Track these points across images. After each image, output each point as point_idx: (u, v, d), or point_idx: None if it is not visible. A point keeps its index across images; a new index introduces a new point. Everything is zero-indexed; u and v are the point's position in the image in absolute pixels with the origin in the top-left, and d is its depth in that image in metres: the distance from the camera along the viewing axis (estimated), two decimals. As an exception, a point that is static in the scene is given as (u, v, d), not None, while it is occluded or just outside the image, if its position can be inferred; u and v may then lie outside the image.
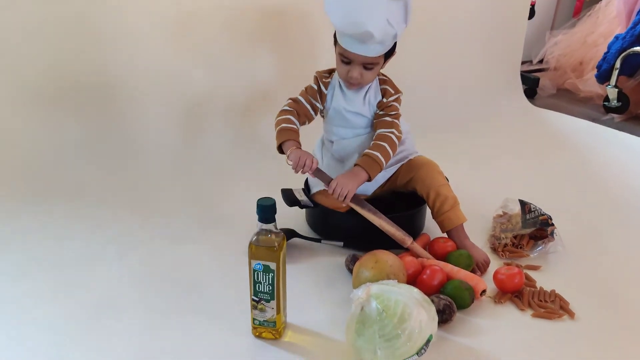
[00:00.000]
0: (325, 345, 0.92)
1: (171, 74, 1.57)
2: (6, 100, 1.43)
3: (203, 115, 1.63)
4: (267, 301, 0.89)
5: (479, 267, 1.10)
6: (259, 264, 0.87)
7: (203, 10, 1.56)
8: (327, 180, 1.11)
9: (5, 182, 1.39)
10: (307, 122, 1.19)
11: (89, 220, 1.29)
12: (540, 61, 2.56)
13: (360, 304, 0.85)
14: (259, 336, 0.93)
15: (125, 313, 0.98)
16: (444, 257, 1.11)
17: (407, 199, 1.24)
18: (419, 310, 0.83)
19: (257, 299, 0.89)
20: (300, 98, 1.18)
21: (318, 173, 1.11)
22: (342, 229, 1.20)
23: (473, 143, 1.82)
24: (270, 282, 0.88)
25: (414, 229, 1.23)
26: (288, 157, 1.10)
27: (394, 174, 1.22)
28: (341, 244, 1.19)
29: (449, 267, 1.06)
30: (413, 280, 1.04)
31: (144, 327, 0.95)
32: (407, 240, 1.10)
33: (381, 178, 1.20)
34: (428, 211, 1.22)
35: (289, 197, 1.18)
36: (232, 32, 1.61)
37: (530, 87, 2.32)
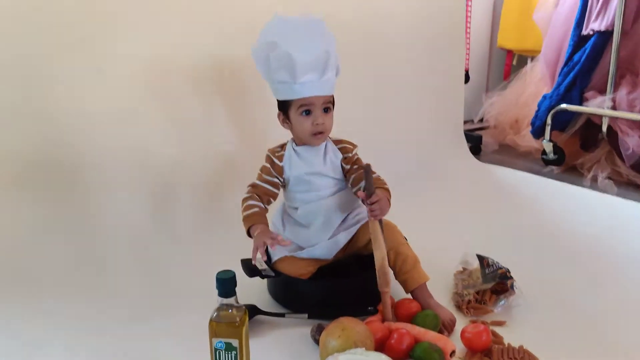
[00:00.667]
0: None
1: (132, 146, 1.53)
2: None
3: (168, 188, 1.58)
4: (231, 382, 0.83)
5: (445, 327, 1.08)
6: (220, 342, 0.82)
7: (168, 76, 1.57)
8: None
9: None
10: (272, 200, 1.22)
11: (33, 308, 1.19)
12: (481, 120, 2.71)
13: (329, 376, 0.81)
14: (222, 422, 0.86)
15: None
16: (410, 319, 1.09)
17: (367, 261, 1.23)
18: (390, 378, 0.80)
19: (220, 381, 0.84)
20: (257, 182, 1.22)
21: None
22: (306, 297, 1.17)
23: (425, 201, 1.86)
24: (233, 361, 0.83)
25: (376, 291, 1.21)
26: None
27: (353, 235, 1.21)
28: (305, 315, 1.15)
29: (416, 330, 1.04)
30: (381, 345, 1.01)
31: None
32: (386, 288, 1.10)
33: (342, 239, 1.20)
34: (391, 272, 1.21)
35: (249, 267, 1.15)
36: (192, 99, 1.62)
37: (475, 144, 2.44)
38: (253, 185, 1.22)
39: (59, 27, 1.42)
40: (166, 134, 1.59)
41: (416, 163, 2.12)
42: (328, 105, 1.16)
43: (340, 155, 1.21)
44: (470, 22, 2.42)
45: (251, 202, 1.18)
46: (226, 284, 0.81)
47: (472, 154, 2.35)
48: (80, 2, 1.44)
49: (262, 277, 1.16)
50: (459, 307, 1.17)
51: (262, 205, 1.18)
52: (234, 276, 0.82)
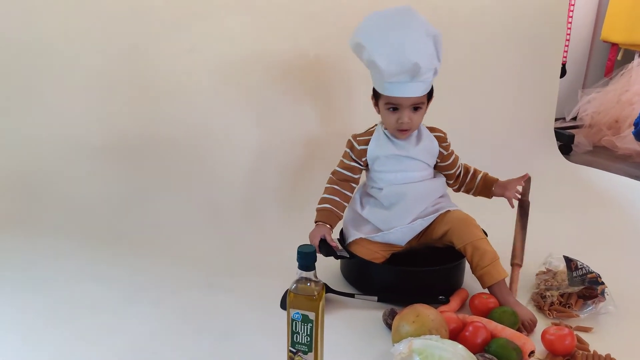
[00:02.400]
0: (364, 403, 0.87)
1: (220, 129, 1.60)
2: (59, 152, 1.49)
3: (251, 168, 1.63)
4: (305, 353, 0.86)
5: (524, 327, 1.04)
6: (297, 313, 0.84)
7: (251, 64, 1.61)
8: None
9: (51, 227, 1.42)
10: (354, 186, 1.23)
11: (126, 267, 1.29)
12: (574, 118, 2.54)
13: (401, 359, 0.81)
14: (294, 391, 0.88)
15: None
16: (486, 314, 1.06)
17: (443, 253, 1.20)
18: (465, 368, 0.78)
19: (294, 350, 0.86)
20: (338, 169, 1.22)
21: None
22: (378, 280, 1.17)
23: None
24: (308, 332, 0.85)
25: (452, 284, 1.18)
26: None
27: (429, 225, 1.19)
28: (375, 298, 1.15)
29: (493, 325, 1.01)
30: (454, 336, 0.99)
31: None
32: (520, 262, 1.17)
33: (418, 226, 1.18)
34: (467, 266, 1.18)
35: (325, 247, 1.16)
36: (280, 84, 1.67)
37: (565, 143, 2.29)
38: (333, 173, 1.22)
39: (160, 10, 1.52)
40: (250, 116, 1.65)
41: (500, 158, 2.02)
42: (418, 105, 1.13)
43: (436, 142, 1.20)
44: (573, 11, 2.26)
45: (326, 195, 1.19)
46: (307, 258, 0.83)
47: (562, 154, 2.21)
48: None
49: (337, 257, 1.17)
50: (539, 308, 1.12)
51: (336, 198, 1.19)
52: (315, 251, 0.84)
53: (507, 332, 0.99)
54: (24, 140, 1.48)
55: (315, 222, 1.18)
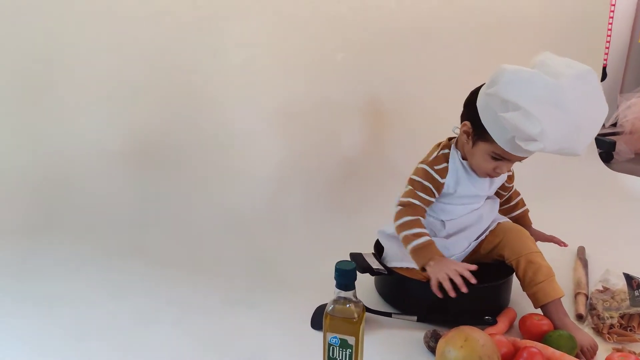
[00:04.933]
0: None
1: (244, 134, 1.55)
2: (80, 157, 1.46)
3: (275, 177, 1.57)
4: (343, 382, 0.77)
5: (584, 353, 0.93)
6: (335, 337, 0.76)
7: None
8: None
9: (71, 234, 1.38)
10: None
11: (148, 280, 1.22)
12: (614, 124, 2.42)
13: (454, 391, 0.72)
14: (329, 421, 0.80)
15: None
16: (540, 337, 0.96)
17: (488, 269, 1.10)
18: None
19: (330, 378, 0.78)
20: (413, 201, 1.06)
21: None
22: (418, 298, 1.08)
23: (551, 209, 1.67)
24: (347, 358, 0.76)
25: (498, 303, 1.09)
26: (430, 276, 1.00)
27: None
28: (414, 318, 1.06)
29: (550, 351, 0.91)
30: (506, 363, 0.90)
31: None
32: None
33: (472, 248, 1.10)
34: (514, 284, 1.08)
35: (361, 263, 1.08)
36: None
37: (606, 151, 2.17)
38: (409, 205, 1.05)
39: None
40: (275, 122, 1.59)
41: (539, 166, 1.91)
42: (522, 160, 1.03)
43: (505, 176, 1.13)
44: (614, 12, 2.15)
45: (418, 230, 1.03)
46: (347, 276, 0.75)
47: (603, 161, 2.09)
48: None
49: (373, 274, 1.09)
50: (598, 331, 1.01)
51: (427, 231, 1.05)
52: (355, 268, 0.76)
53: (566, 359, 0.89)
54: (45, 146, 1.45)
55: (428, 260, 1.01)
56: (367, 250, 1.19)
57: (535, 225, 1.23)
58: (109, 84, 1.46)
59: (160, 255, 1.33)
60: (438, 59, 1.76)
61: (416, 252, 1.02)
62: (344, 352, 0.76)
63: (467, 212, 1.09)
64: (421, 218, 1.05)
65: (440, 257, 1.00)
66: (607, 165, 2.08)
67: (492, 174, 1.05)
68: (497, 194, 1.18)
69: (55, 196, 1.44)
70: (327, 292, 1.00)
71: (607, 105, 0.95)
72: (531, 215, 1.25)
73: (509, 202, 1.21)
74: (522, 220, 1.20)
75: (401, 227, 1.04)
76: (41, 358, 0.95)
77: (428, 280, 1.06)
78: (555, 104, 0.88)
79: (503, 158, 1.01)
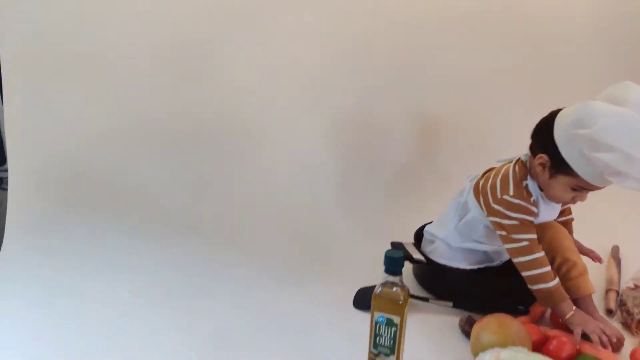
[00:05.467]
0: (444, 410, 0.86)
1: (287, 118, 1.63)
2: (129, 140, 1.57)
3: (314, 165, 1.66)
4: (387, 355, 0.86)
5: (612, 345, 0.99)
6: (382, 316, 0.85)
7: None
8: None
9: (123, 215, 1.50)
10: None
11: (203, 257, 1.34)
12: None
13: (488, 370, 0.80)
14: (373, 392, 0.89)
15: (237, 353, 0.99)
16: (568, 329, 1.02)
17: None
18: (557, 385, 0.76)
19: (376, 352, 0.87)
20: (532, 236, 1.05)
21: None
22: (454, 287, 1.16)
23: (586, 207, 1.68)
24: (392, 336, 0.85)
25: (530, 294, 1.15)
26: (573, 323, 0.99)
27: None
28: (450, 304, 1.14)
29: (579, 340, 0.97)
30: (536, 350, 0.96)
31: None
32: None
33: None
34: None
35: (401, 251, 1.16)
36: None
37: None
38: (532, 242, 1.04)
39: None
40: (318, 107, 1.66)
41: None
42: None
43: None
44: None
45: (547, 269, 1.02)
46: (395, 263, 0.83)
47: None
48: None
49: (413, 262, 1.17)
50: (626, 326, 1.07)
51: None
52: (403, 257, 0.84)
53: (594, 349, 0.95)
54: (94, 129, 1.55)
55: (559, 302, 1.01)
56: (409, 239, 1.27)
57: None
58: (160, 68, 1.55)
59: (216, 235, 1.45)
60: (485, 66, 1.77)
61: (550, 294, 1.01)
62: (389, 330, 0.85)
63: None
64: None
65: (576, 308, 1.01)
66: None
67: (569, 202, 1.07)
68: None
69: (107, 178, 1.55)
70: (368, 275, 1.10)
71: None
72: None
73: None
74: (565, 228, 1.19)
75: (530, 265, 1.03)
76: (112, 316, 1.08)
77: (462, 270, 1.13)
78: (617, 141, 0.89)
79: (584, 189, 1.01)
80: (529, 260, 1.03)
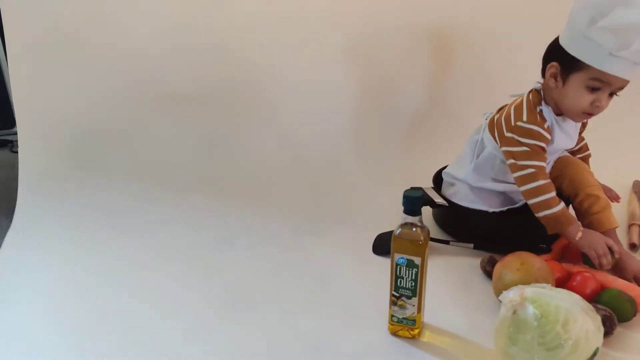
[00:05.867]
0: (468, 349, 0.86)
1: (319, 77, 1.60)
2: (143, 100, 1.55)
3: (328, 115, 1.62)
4: (409, 297, 0.86)
5: (636, 279, 0.98)
6: (402, 258, 0.84)
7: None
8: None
9: (140, 173, 1.49)
10: None
11: (216, 212, 1.33)
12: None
13: (512, 307, 0.78)
14: (395, 334, 0.89)
15: (259, 302, 0.99)
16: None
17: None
18: (584, 318, 0.75)
19: (397, 294, 0.86)
20: (539, 163, 1.02)
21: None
22: (475, 229, 1.14)
23: (606, 142, 1.52)
24: (413, 277, 0.84)
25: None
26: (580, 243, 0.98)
27: None
28: (471, 245, 1.12)
29: (602, 275, 0.96)
30: (559, 287, 0.95)
31: (278, 316, 0.95)
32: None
33: None
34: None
35: (423, 196, 1.14)
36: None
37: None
38: (538, 169, 1.01)
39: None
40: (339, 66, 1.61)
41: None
42: (618, 91, 0.98)
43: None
44: None
45: (553, 195, 1.00)
46: (414, 202, 0.81)
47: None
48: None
49: (434, 206, 1.15)
50: (652, 261, 1.05)
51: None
52: (422, 195, 0.82)
53: (619, 283, 0.94)
54: (104, 90, 1.53)
55: (567, 226, 0.99)
56: (428, 184, 1.24)
57: (591, 159, 1.23)
58: (171, 27, 1.52)
59: (227, 190, 1.44)
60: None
61: (555, 219, 0.99)
62: (410, 271, 0.84)
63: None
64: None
65: (584, 229, 0.99)
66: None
67: (590, 111, 0.98)
68: None
69: (123, 138, 1.54)
70: (387, 221, 1.09)
71: None
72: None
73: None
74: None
75: (535, 192, 1.00)
76: (129, 272, 1.09)
77: (481, 211, 1.11)
78: None
79: (602, 85, 0.95)
80: (533, 188, 1.00)
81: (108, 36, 1.50)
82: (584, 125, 1.16)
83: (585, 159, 1.20)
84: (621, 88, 0.97)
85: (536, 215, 1.01)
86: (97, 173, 1.47)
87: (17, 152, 1.49)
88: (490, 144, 1.11)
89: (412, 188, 1.18)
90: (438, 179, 1.26)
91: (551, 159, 1.10)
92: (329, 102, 1.62)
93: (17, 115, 1.50)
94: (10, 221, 1.27)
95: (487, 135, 1.12)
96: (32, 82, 1.50)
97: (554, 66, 1.00)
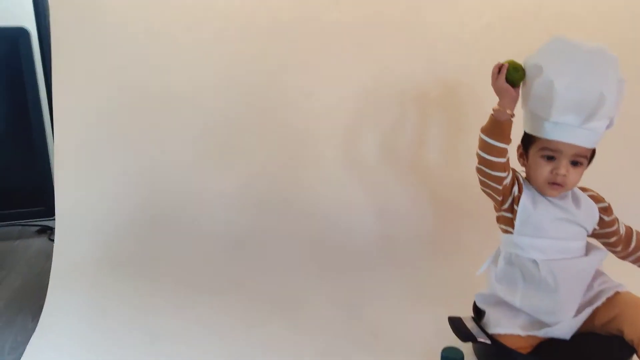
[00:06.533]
0: None
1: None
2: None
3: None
4: None
5: None
6: None
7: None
8: None
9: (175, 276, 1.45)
10: (502, 174, 1.00)
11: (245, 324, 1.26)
12: None
13: None
14: None
15: None
16: None
17: (604, 343, 1.01)
18: None
19: None
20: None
21: None
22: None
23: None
24: None
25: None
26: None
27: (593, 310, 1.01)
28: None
29: None
30: None
31: None
32: None
33: (586, 315, 1.00)
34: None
35: (461, 330, 1.03)
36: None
37: None
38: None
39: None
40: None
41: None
42: (580, 160, 0.98)
43: (594, 204, 1.04)
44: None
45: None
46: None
47: None
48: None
49: (475, 342, 1.04)
50: None
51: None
52: (463, 358, 0.73)
53: None
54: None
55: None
56: (468, 313, 1.13)
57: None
58: (206, 122, 1.54)
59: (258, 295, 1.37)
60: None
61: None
62: None
63: (562, 254, 1.00)
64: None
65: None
66: None
67: (553, 180, 0.98)
68: (602, 237, 1.08)
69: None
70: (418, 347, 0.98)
71: (603, 77, 0.94)
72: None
73: (628, 244, 1.08)
74: (607, 223, 1.07)
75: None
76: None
77: (534, 353, 0.99)
78: (565, 53, 0.94)
79: (553, 153, 0.97)
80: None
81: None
82: (606, 210, 1.05)
83: (607, 210, 1.07)
84: (580, 155, 0.97)
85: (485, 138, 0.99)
86: (128, 271, 1.44)
87: (53, 240, 1.50)
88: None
89: (450, 318, 1.07)
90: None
91: (558, 236, 1.01)
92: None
93: (57, 205, 1.51)
94: (36, 324, 1.23)
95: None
96: (77, 173, 1.53)
97: (519, 147, 1.05)
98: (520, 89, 1.01)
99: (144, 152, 1.54)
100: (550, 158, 0.98)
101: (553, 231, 1.00)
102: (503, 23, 1.55)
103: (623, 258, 1.11)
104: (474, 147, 1.03)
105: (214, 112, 1.54)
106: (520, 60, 1.01)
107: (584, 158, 0.99)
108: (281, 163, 1.56)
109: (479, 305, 1.11)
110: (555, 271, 0.98)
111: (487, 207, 1.18)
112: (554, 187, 0.99)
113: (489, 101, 1.01)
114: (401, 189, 1.58)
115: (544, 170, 0.99)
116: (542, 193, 1.02)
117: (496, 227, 1.09)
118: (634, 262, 1.11)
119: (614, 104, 0.95)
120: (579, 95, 0.92)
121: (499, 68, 0.98)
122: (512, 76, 0.98)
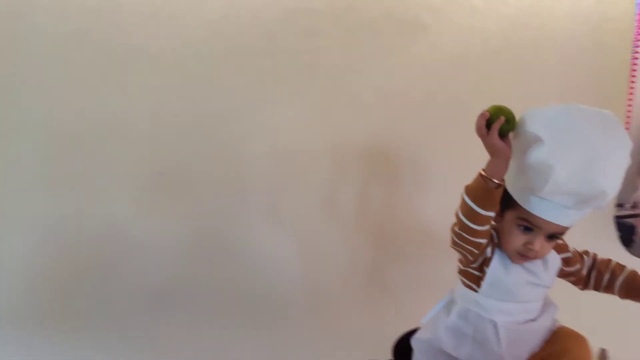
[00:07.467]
0: None
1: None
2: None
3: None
4: None
5: None
6: None
7: None
8: None
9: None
10: (482, 241, 0.92)
11: None
12: (634, 206, 2.41)
13: None
14: None
15: None
16: None
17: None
18: None
19: None
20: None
21: None
22: None
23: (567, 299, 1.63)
24: None
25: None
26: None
27: None
28: None
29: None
30: None
31: None
32: None
33: (525, 353, 0.99)
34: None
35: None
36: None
37: (626, 234, 2.16)
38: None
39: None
40: None
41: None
42: (557, 235, 0.93)
43: (558, 256, 1.00)
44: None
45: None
46: None
47: (623, 245, 2.07)
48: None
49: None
50: None
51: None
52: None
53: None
54: None
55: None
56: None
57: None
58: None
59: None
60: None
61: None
62: None
63: (523, 316, 0.97)
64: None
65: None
66: (628, 250, 2.06)
67: (524, 252, 0.92)
68: (561, 277, 1.04)
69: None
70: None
71: (629, 141, 0.86)
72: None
73: (600, 278, 1.04)
74: (636, 283, 1.03)
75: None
76: None
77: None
78: (572, 132, 0.83)
79: (531, 225, 0.90)
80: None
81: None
82: (568, 261, 1.03)
83: (635, 277, 1.03)
84: (558, 233, 0.91)
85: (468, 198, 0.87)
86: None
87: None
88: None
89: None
90: (403, 347, 1.09)
91: (523, 298, 0.97)
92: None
93: None
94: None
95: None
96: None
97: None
98: (515, 147, 0.89)
99: (62, 202, 1.47)
100: (527, 229, 0.91)
101: (521, 295, 0.96)
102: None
103: (583, 289, 1.08)
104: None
105: (141, 158, 1.52)
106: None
107: (561, 235, 0.93)
108: (213, 210, 1.55)
109: (416, 349, 1.05)
110: (510, 334, 0.96)
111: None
112: (521, 257, 0.94)
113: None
114: (332, 237, 1.63)
115: (518, 240, 0.92)
116: (510, 259, 0.96)
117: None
118: (605, 292, 1.06)
119: (614, 194, 0.87)
120: (578, 187, 0.83)
121: (487, 120, 0.85)
122: (503, 128, 0.85)
